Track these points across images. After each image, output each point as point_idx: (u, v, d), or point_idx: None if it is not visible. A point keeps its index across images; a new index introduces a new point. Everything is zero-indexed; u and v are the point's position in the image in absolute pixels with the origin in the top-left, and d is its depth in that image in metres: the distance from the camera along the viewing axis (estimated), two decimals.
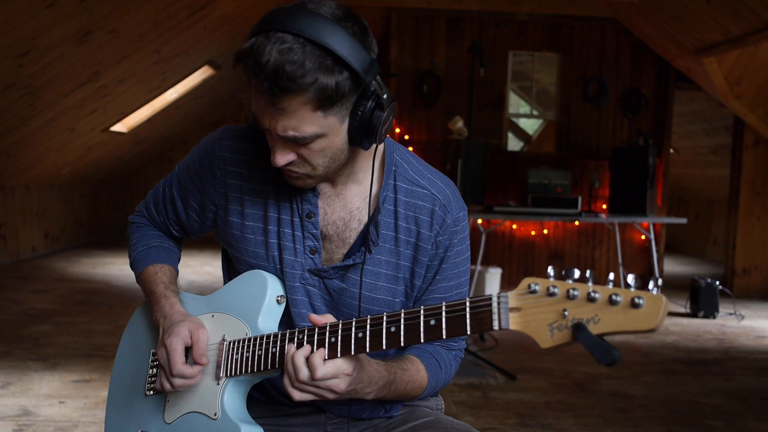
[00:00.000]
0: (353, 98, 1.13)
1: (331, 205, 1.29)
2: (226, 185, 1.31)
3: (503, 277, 6.27)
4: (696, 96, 7.47)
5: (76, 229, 8.34)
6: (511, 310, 0.99)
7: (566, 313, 0.94)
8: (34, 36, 4.41)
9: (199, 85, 7.70)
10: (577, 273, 0.95)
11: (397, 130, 6.40)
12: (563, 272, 0.96)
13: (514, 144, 9.57)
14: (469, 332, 1.03)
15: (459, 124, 5.74)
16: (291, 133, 1.11)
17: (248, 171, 1.30)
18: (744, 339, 4.88)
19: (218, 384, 1.25)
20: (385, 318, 1.10)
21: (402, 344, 1.08)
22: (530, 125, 10.52)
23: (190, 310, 1.34)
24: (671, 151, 7.38)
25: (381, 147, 1.29)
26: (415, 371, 1.27)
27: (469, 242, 1.35)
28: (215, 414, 1.23)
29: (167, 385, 1.23)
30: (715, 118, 7.71)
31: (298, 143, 1.14)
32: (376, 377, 1.18)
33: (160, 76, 6.67)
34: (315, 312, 1.29)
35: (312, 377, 1.10)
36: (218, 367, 1.25)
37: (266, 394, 1.38)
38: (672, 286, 6.80)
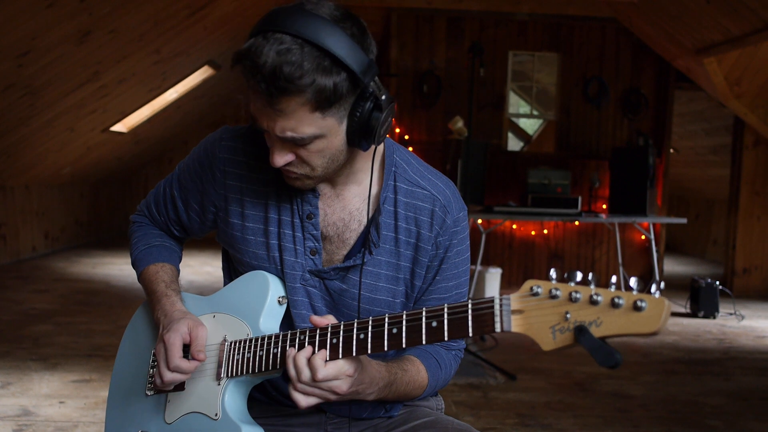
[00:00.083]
0: (351, 99, 1.13)
1: (331, 206, 1.29)
2: (226, 186, 1.31)
3: (503, 277, 6.27)
4: (696, 96, 7.47)
5: (76, 229, 8.33)
6: (513, 312, 0.99)
7: (568, 315, 0.94)
8: (34, 36, 4.41)
9: (199, 85, 7.70)
10: (579, 275, 0.95)
11: (397, 130, 6.40)
12: (565, 275, 0.96)
13: (514, 144, 9.57)
14: (471, 334, 1.03)
15: (459, 124, 5.73)
16: (289, 134, 1.11)
17: (248, 172, 1.30)
18: (744, 339, 4.88)
19: (219, 384, 1.25)
20: (387, 319, 1.10)
21: (404, 345, 1.08)
22: (530, 125, 10.52)
23: (191, 309, 1.34)
24: (671, 151, 7.38)
25: (380, 148, 1.29)
26: (416, 371, 1.28)
27: (469, 242, 1.35)
28: (216, 414, 1.23)
29: (159, 379, 1.23)
30: (715, 118, 7.71)
31: (296, 144, 1.14)
32: (377, 378, 1.18)
33: (160, 76, 6.67)
34: (315, 313, 1.29)
35: (313, 378, 1.10)
36: (219, 367, 1.25)
37: (267, 395, 1.38)
38: (672, 286, 6.81)
